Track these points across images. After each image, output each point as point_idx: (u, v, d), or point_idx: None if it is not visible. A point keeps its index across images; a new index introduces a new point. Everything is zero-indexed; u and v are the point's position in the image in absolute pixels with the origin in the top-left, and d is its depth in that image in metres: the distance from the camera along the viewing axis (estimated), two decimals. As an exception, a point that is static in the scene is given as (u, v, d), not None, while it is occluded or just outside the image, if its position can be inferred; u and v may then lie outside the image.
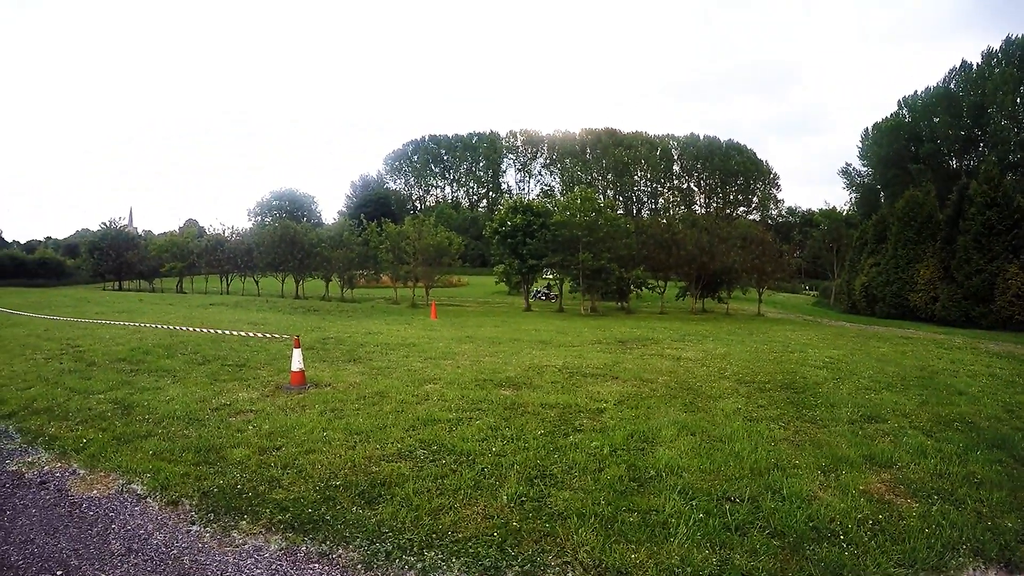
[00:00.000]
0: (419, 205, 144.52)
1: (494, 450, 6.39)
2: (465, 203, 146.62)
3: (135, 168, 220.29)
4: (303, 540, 4.50)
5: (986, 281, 34.53)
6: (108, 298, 41.33)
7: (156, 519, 4.88)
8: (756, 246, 39.54)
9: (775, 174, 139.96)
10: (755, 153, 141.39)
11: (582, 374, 11.19)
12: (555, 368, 11.77)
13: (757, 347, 16.45)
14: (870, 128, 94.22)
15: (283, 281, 50.64)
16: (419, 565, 4.13)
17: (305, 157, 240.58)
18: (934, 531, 4.64)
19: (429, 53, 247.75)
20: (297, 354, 9.87)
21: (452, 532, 4.57)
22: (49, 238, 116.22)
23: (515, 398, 8.95)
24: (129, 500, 5.25)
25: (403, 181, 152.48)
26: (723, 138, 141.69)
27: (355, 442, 6.65)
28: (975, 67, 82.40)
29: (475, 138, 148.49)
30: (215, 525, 4.76)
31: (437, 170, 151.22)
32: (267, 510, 4.96)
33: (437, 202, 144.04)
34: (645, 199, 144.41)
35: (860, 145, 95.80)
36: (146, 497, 5.29)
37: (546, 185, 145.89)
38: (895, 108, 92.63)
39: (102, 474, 5.82)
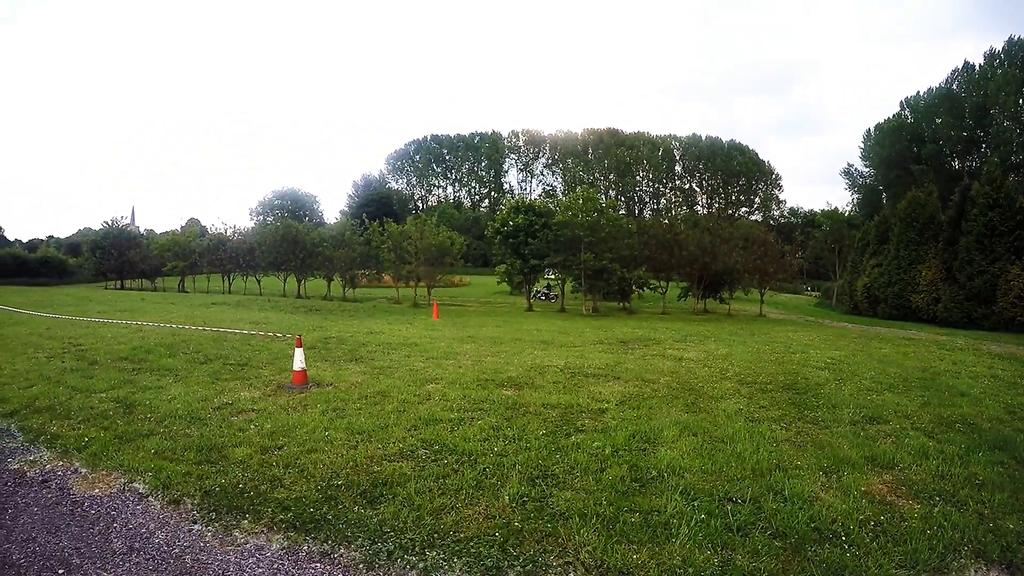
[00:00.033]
0: (421, 205, 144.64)
1: (496, 450, 6.39)
2: (467, 203, 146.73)
3: (137, 167, 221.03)
4: (305, 539, 4.50)
5: (988, 282, 34.47)
6: (110, 297, 41.35)
7: (158, 518, 4.88)
8: (758, 247, 39.52)
9: (777, 175, 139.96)
10: (757, 153, 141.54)
11: (584, 374, 11.19)
12: (557, 368, 11.77)
13: (759, 348, 16.44)
14: (872, 129, 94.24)
15: (285, 280, 50.68)
16: (421, 565, 4.13)
17: (307, 157, 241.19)
18: (936, 532, 4.63)
19: (431, 53, 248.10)
20: (299, 353, 9.87)
21: (454, 532, 4.56)
22: (51, 237, 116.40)
23: (517, 398, 8.95)
24: (131, 499, 5.25)
25: (405, 181, 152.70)
26: (725, 138, 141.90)
27: (357, 441, 6.66)
28: (977, 68, 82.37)
29: (477, 138, 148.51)
30: (217, 524, 4.76)
31: (439, 170, 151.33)
32: (269, 509, 4.96)
33: (439, 202, 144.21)
34: (647, 199, 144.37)
35: (862, 146, 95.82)
36: (148, 496, 5.29)
37: (548, 185, 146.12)
38: (897, 109, 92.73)
39: (104, 473, 5.82)
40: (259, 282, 53.77)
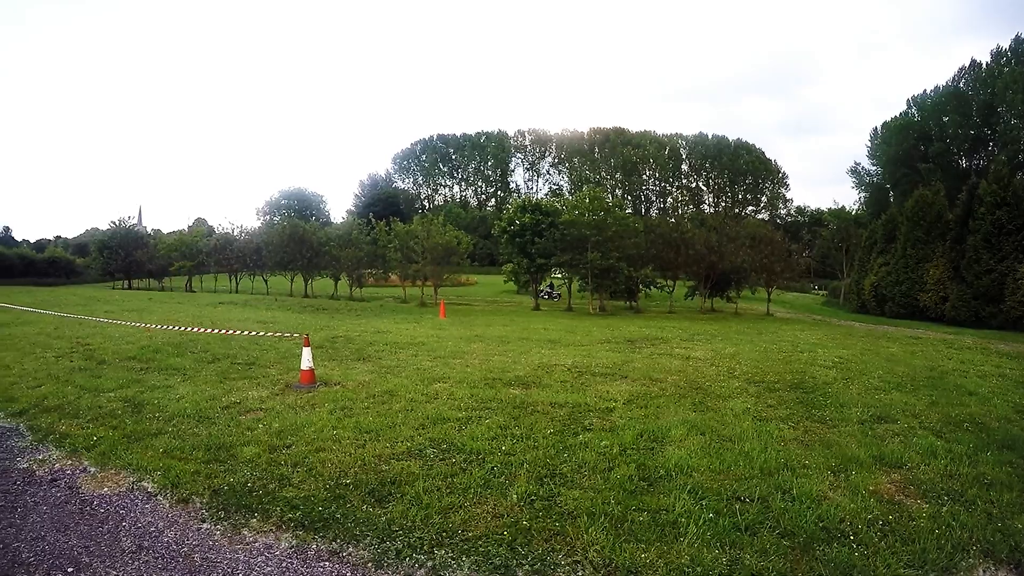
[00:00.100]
0: (427, 204, 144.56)
1: (504, 449, 6.40)
2: (473, 202, 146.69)
3: (144, 167, 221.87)
4: (313, 538, 4.51)
5: (996, 281, 34.28)
6: (117, 297, 41.49)
7: (167, 517, 4.90)
8: (765, 246, 39.36)
9: (784, 173, 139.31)
10: (764, 152, 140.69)
11: (591, 373, 11.19)
12: (564, 367, 11.77)
13: (766, 347, 16.41)
14: (879, 127, 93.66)
15: (292, 280, 50.82)
16: (429, 563, 4.14)
17: (314, 156, 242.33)
18: (944, 532, 4.61)
19: (437, 53, 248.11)
20: (307, 353, 9.89)
21: (462, 531, 4.57)
22: (59, 237, 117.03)
23: (524, 397, 8.96)
24: (140, 498, 5.27)
25: (411, 180, 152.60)
26: (731, 137, 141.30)
27: (365, 440, 6.67)
28: (984, 66, 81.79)
29: (483, 137, 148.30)
30: (226, 523, 4.77)
31: (445, 169, 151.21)
32: (277, 508, 4.97)
33: (445, 201, 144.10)
34: (654, 198, 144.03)
35: (869, 144, 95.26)
36: (157, 495, 5.32)
37: (554, 184, 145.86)
38: (904, 107, 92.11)
39: (112, 472, 5.85)
40: (266, 282, 53.96)
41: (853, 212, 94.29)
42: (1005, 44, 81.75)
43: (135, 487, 5.49)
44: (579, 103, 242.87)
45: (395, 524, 4.67)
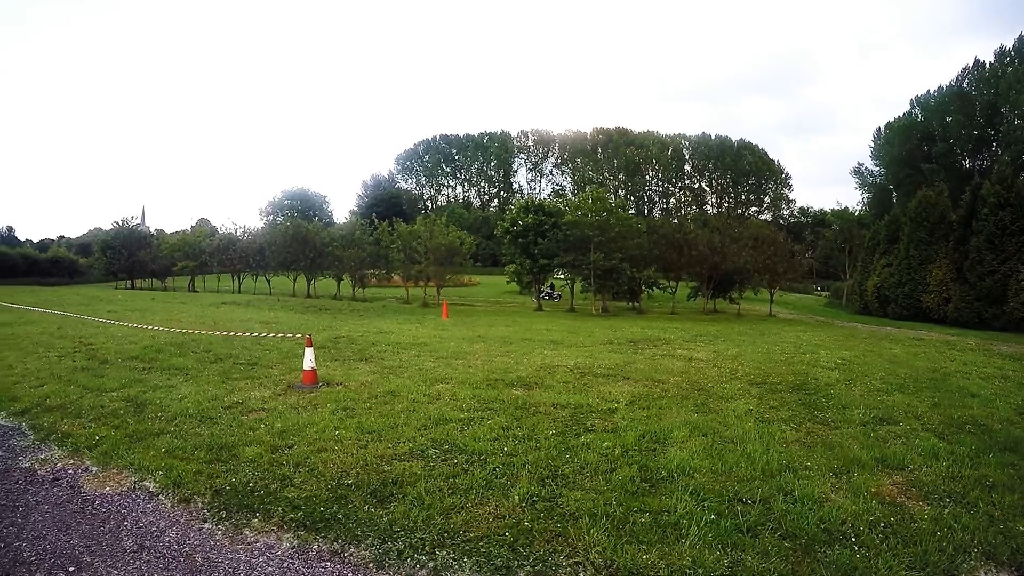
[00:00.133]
0: (430, 204, 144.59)
1: (506, 450, 6.40)
2: (476, 203, 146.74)
3: (148, 167, 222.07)
4: (315, 538, 4.51)
5: (999, 282, 34.25)
6: (120, 297, 41.58)
7: (168, 516, 4.91)
8: (768, 246, 39.33)
9: (787, 174, 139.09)
10: (767, 153, 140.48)
11: (593, 374, 11.19)
12: (566, 368, 11.77)
13: (769, 348, 16.40)
14: (882, 127, 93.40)
15: (295, 280, 50.88)
16: (431, 564, 4.13)
17: (317, 156, 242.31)
18: (946, 534, 4.60)
19: (441, 53, 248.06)
20: (309, 353, 9.89)
21: (464, 531, 4.57)
22: (62, 237, 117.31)
23: (527, 398, 8.96)
24: (141, 497, 5.28)
25: (414, 180, 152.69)
26: (734, 137, 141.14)
27: (367, 441, 6.67)
28: (988, 66, 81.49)
29: (486, 137, 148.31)
30: (227, 523, 4.78)
31: (448, 169, 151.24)
32: (279, 508, 4.97)
33: (448, 201, 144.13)
34: (656, 199, 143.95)
35: (872, 145, 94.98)
36: (158, 494, 5.32)
37: (557, 185, 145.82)
38: (907, 107, 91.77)
39: (114, 471, 5.86)
40: (269, 282, 54.04)
41: (856, 213, 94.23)
42: (1007, 44, 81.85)
43: (137, 487, 5.50)
44: (582, 103, 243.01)
45: (397, 525, 4.67)
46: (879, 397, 9.66)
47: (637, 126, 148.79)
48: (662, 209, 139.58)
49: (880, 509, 5.03)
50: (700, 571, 4.03)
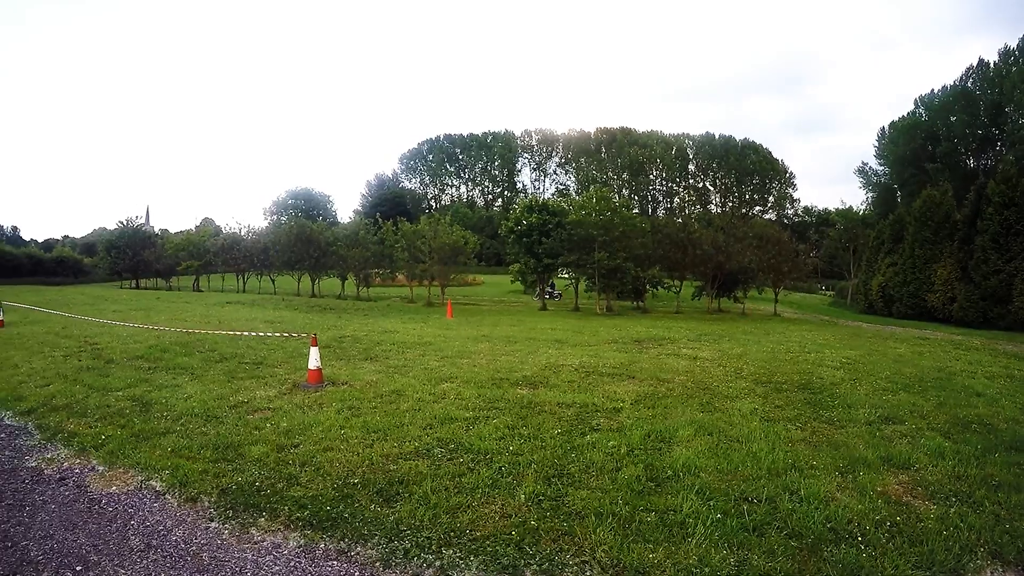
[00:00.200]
0: (434, 204, 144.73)
1: (511, 449, 6.40)
2: (480, 202, 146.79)
3: (152, 167, 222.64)
4: (321, 537, 4.52)
5: (1004, 282, 34.14)
6: (125, 296, 41.66)
7: (175, 516, 4.92)
8: (772, 246, 39.20)
9: (791, 173, 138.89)
10: (771, 152, 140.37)
11: (599, 373, 11.18)
12: (571, 367, 11.77)
13: (774, 347, 16.38)
14: (887, 127, 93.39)
15: (299, 280, 50.89)
16: (437, 563, 4.14)
17: (321, 157, 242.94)
18: (952, 533, 4.60)
19: (444, 53, 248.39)
20: (314, 352, 9.91)
21: (470, 530, 4.57)
22: (67, 237, 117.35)
23: (532, 397, 8.96)
24: (148, 497, 5.29)
25: (418, 180, 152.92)
26: (738, 137, 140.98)
27: (372, 440, 6.68)
28: (992, 65, 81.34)
29: (490, 137, 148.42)
30: (234, 522, 4.79)
31: (452, 169, 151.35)
32: (285, 507, 4.98)
33: (452, 201, 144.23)
34: (660, 198, 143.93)
35: (876, 144, 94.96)
36: (165, 494, 5.34)
37: (561, 184, 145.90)
38: (912, 107, 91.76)
39: (121, 471, 5.88)
40: (273, 281, 54.07)
41: (860, 212, 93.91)
42: (1011, 43, 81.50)
43: (143, 486, 5.51)
44: (586, 103, 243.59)
45: (403, 523, 4.68)
46: (884, 396, 9.65)
47: (641, 126, 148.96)
48: (666, 209, 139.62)
49: (886, 508, 5.03)
50: (706, 570, 4.03)
